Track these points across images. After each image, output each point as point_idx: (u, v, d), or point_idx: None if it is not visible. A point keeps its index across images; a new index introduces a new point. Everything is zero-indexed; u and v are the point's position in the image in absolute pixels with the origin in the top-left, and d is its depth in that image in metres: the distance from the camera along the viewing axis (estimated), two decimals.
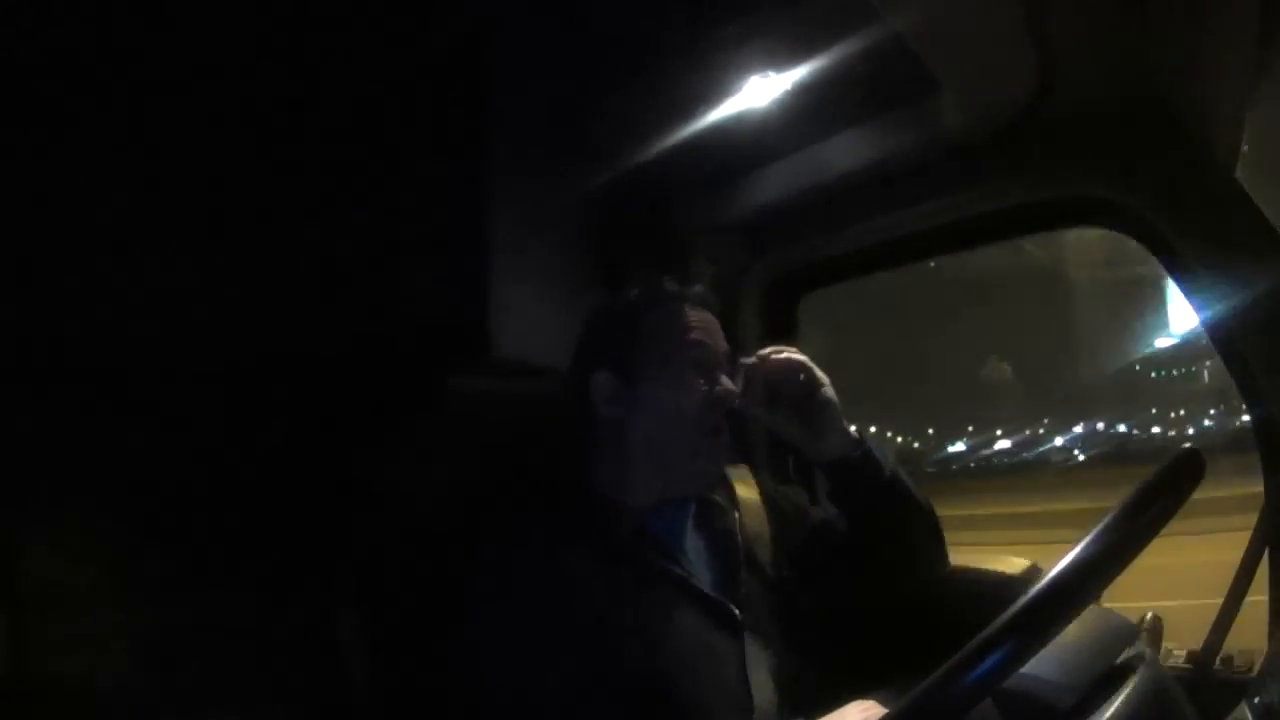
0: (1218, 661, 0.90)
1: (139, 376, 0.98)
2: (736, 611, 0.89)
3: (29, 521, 0.89)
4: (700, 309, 0.97)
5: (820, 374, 0.97)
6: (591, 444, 0.98)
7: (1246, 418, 0.99)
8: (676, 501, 0.96)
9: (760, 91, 1.16)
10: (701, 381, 0.93)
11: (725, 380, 0.94)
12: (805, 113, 1.19)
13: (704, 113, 1.19)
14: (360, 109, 1.18)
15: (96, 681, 0.90)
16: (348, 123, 1.17)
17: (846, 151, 1.26)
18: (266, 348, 1.08)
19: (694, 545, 0.95)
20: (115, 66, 0.95)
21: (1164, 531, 0.59)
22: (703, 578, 0.91)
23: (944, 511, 0.99)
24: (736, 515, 0.99)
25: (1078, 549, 0.58)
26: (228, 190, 1.05)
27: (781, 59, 1.09)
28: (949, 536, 1.01)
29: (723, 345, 0.97)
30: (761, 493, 1.07)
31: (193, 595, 0.97)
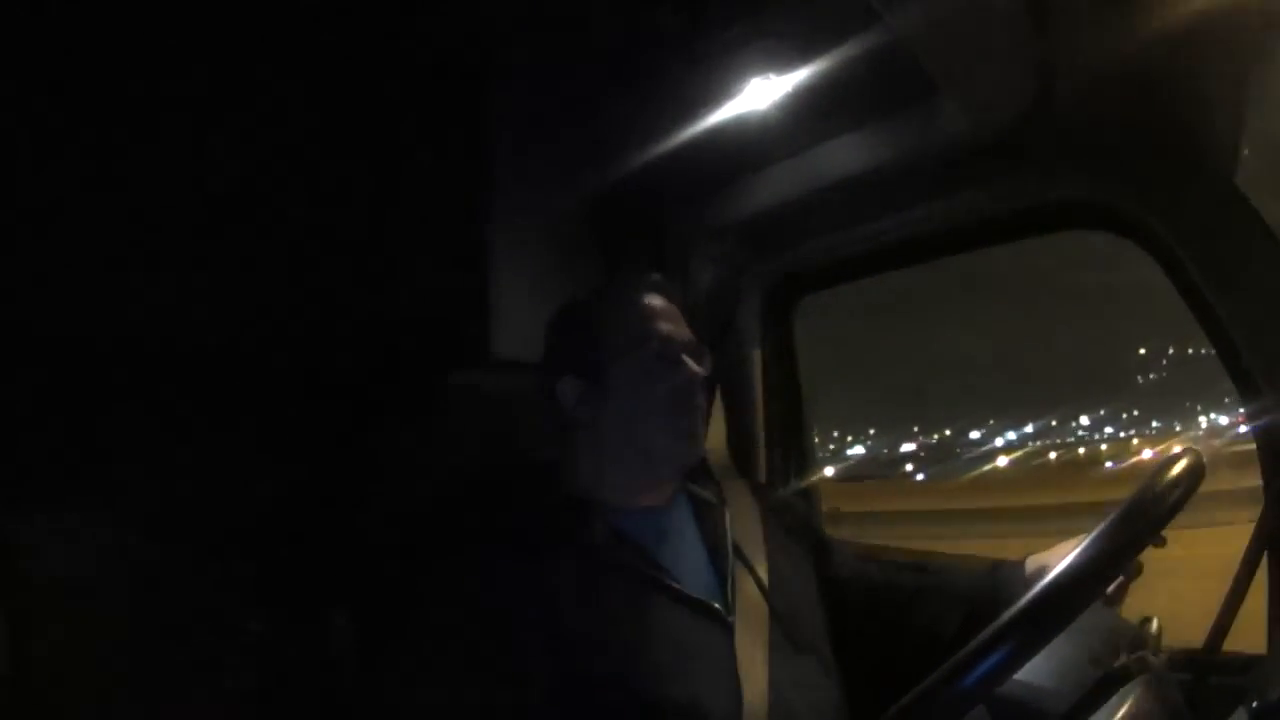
0: (1215, 665, 0.90)
1: (136, 375, 0.98)
2: (722, 610, 0.88)
3: (29, 521, 0.89)
4: (657, 295, 0.97)
5: None
6: (569, 445, 0.97)
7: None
8: (658, 501, 0.95)
9: (761, 94, 1.15)
10: (666, 369, 0.92)
11: (690, 363, 0.93)
12: (806, 115, 1.19)
13: (704, 115, 1.19)
14: (361, 109, 1.18)
15: (93, 681, 0.90)
16: (348, 123, 1.17)
17: (846, 154, 1.26)
18: (261, 347, 1.09)
19: (679, 544, 0.93)
20: (119, 68, 0.95)
21: None
22: (688, 577, 0.89)
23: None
24: (726, 512, 0.98)
25: (1076, 552, 0.58)
26: (229, 190, 1.05)
27: (782, 61, 1.09)
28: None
29: (684, 330, 0.96)
30: (755, 492, 1.07)
31: (187, 594, 0.97)
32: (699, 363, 0.94)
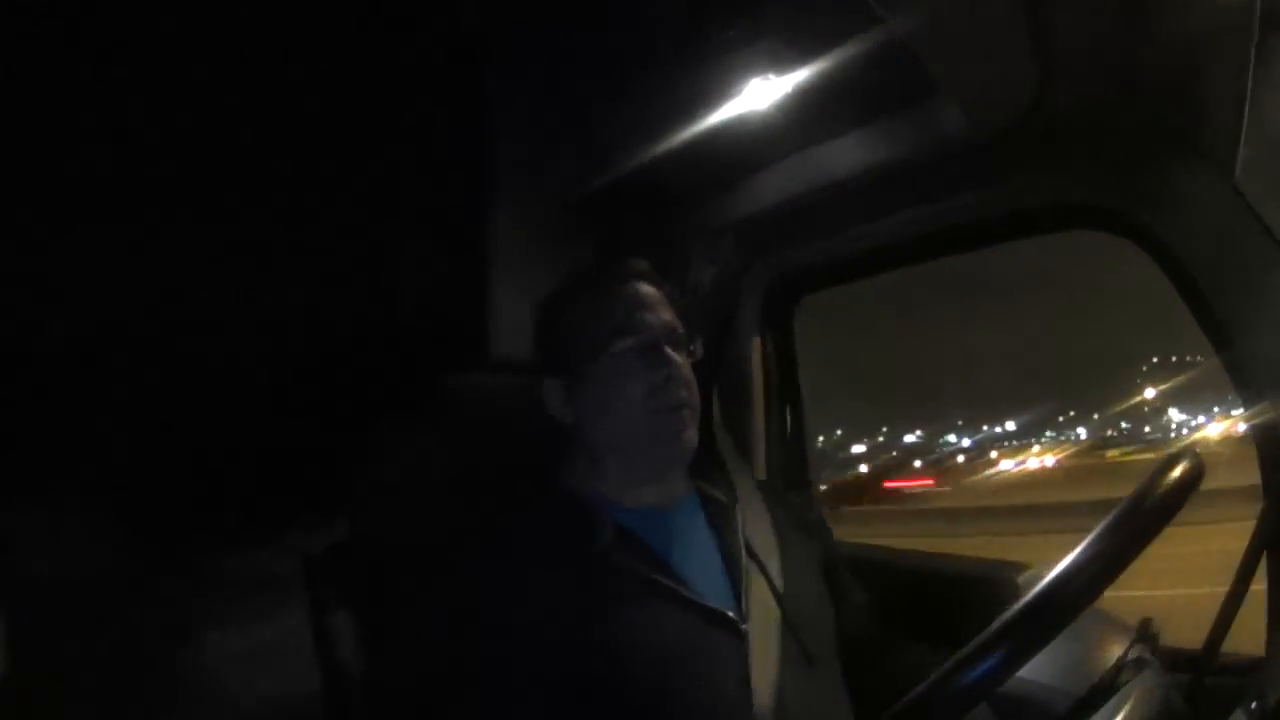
0: (1214, 665, 0.90)
1: (137, 375, 0.98)
2: (732, 614, 0.84)
3: (28, 521, 0.89)
4: (637, 282, 0.92)
5: None
6: (567, 445, 0.95)
7: None
8: (665, 500, 0.91)
9: (760, 94, 1.15)
10: (641, 364, 0.86)
11: (671, 355, 0.87)
12: (805, 115, 1.19)
13: (704, 114, 1.18)
14: (361, 110, 1.18)
15: (93, 681, 0.90)
16: (347, 123, 1.17)
17: (846, 154, 1.26)
18: (263, 347, 1.09)
19: (690, 545, 0.89)
20: (122, 68, 0.95)
21: None
22: (699, 580, 0.85)
23: None
24: (739, 512, 0.94)
25: (1076, 552, 0.58)
26: (229, 190, 1.05)
27: (782, 61, 1.09)
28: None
29: (662, 318, 0.90)
30: (765, 489, 1.04)
31: (186, 592, 0.97)
32: (684, 351, 0.90)
